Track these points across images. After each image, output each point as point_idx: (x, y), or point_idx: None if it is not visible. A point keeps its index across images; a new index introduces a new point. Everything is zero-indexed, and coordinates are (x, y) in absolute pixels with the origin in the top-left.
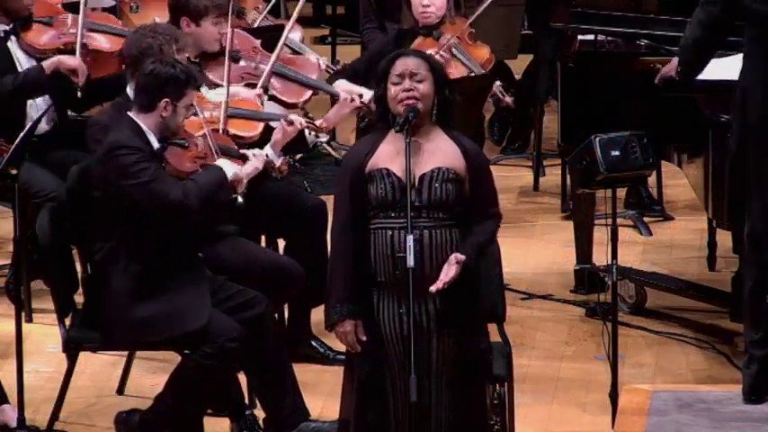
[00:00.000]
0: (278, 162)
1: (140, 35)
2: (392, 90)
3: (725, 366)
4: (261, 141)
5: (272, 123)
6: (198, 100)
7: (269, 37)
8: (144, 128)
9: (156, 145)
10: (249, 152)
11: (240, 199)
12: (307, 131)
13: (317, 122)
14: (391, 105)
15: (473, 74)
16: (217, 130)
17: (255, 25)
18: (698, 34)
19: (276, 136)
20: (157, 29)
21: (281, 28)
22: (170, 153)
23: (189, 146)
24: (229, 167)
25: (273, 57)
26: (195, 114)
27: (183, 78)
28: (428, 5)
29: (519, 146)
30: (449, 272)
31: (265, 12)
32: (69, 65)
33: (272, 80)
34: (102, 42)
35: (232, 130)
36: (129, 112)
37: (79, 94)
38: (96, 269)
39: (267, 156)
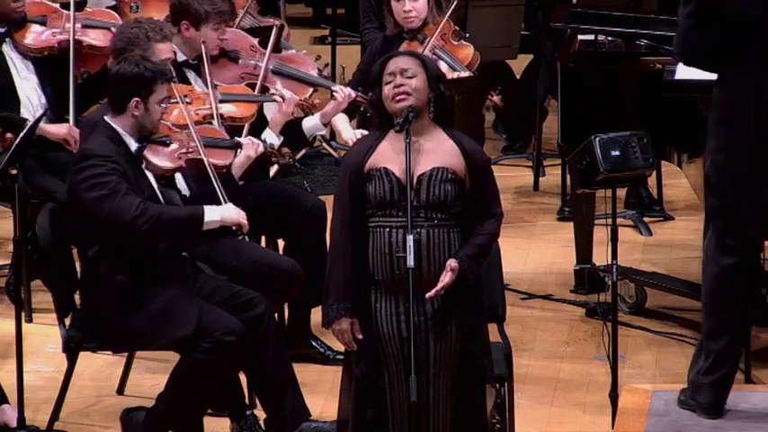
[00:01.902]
0: (277, 143)
1: (125, 27)
2: (385, 90)
3: None
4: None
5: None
6: (185, 92)
7: (264, 38)
8: (120, 131)
9: (133, 147)
10: (244, 140)
11: (247, 238)
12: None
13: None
14: (386, 105)
15: (458, 74)
16: (210, 117)
17: (236, 22)
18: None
19: (275, 115)
20: (141, 20)
21: (269, 28)
22: (150, 151)
23: (171, 143)
24: (216, 213)
25: (266, 56)
26: (172, 101)
27: (149, 75)
28: (410, 11)
29: (519, 146)
30: (444, 279)
31: (246, 9)
32: (57, 135)
33: (270, 77)
34: (98, 38)
35: (227, 114)
36: (105, 116)
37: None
38: (84, 277)
39: (264, 141)
